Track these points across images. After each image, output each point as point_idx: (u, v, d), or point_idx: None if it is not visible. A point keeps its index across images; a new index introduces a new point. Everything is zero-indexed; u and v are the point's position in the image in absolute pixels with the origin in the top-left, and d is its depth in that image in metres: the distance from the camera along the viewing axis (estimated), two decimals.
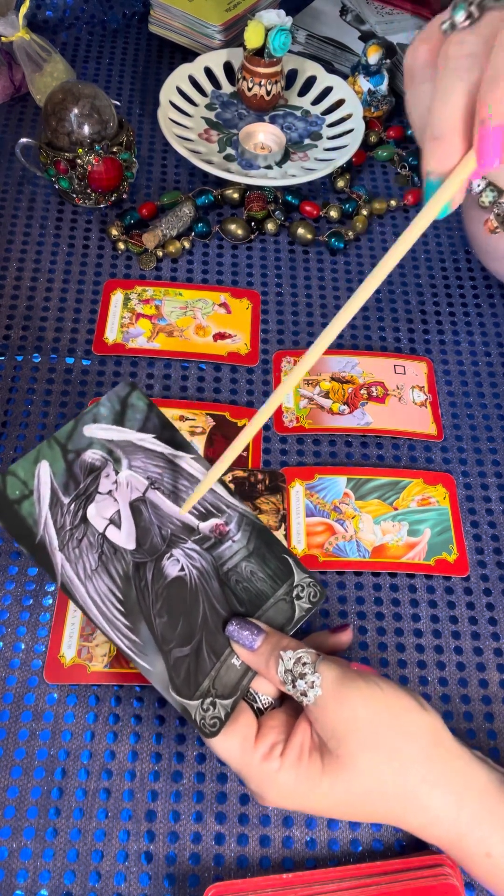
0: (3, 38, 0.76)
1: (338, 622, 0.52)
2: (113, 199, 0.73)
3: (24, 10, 0.74)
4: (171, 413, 0.60)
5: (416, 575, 0.55)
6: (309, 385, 0.63)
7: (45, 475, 0.40)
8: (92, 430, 0.43)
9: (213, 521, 0.43)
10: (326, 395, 0.63)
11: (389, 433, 0.61)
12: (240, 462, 0.59)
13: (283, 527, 0.55)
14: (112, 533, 0.41)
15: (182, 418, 0.60)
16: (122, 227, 0.72)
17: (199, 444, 0.59)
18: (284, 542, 0.55)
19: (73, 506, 0.41)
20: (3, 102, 0.83)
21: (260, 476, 0.58)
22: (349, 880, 0.42)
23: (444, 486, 0.59)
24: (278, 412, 0.62)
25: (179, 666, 0.40)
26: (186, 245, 0.72)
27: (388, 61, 0.81)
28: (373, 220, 0.77)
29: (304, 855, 0.44)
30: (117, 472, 0.42)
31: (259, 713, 0.42)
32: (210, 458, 0.58)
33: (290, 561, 0.44)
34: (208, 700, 0.39)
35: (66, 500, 0.40)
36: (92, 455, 0.42)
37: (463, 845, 0.37)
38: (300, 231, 0.73)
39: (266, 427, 0.61)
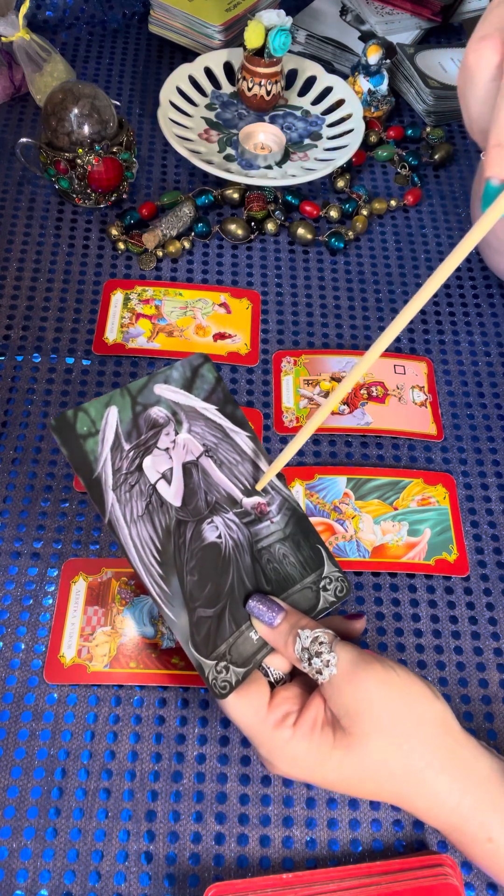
0: (3, 38, 0.76)
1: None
2: (113, 199, 0.73)
3: (24, 10, 0.75)
4: None
5: (416, 575, 0.55)
6: (309, 385, 0.63)
7: (112, 419, 0.42)
8: (162, 390, 0.44)
9: (256, 499, 0.45)
10: (326, 395, 0.63)
11: (389, 433, 0.61)
12: None
13: None
14: (162, 487, 0.43)
15: None
16: (122, 227, 0.72)
17: None
18: None
19: (132, 453, 0.43)
20: (3, 102, 0.83)
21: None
22: (349, 880, 0.42)
23: (444, 486, 0.59)
24: (278, 412, 0.62)
25: (202, 625, 0.41)
26: (186, 245, 0.72)
27: (388, 61, 0.81)
28: (373, 220, 0.77)
29: (304, 855, 0.44)
30: (177, 433, 0.44)
31: (271, 687, 0.42)
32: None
33: (323, 552, 0.46)
34: (223, 664, 0.41)
35: (126, 447, 0.42)
36: (157, 412, 0.44)
37: (465, 830, 0.38)
38: (300, 231, 0.73)
39: (266, 427, 0.61)
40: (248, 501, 0.45)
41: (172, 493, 0.43)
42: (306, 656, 0.40)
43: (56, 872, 0.43)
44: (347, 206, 0.75)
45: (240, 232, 0.72)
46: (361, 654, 0.39)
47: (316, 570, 0.45)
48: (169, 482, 0.43)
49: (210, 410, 0.46)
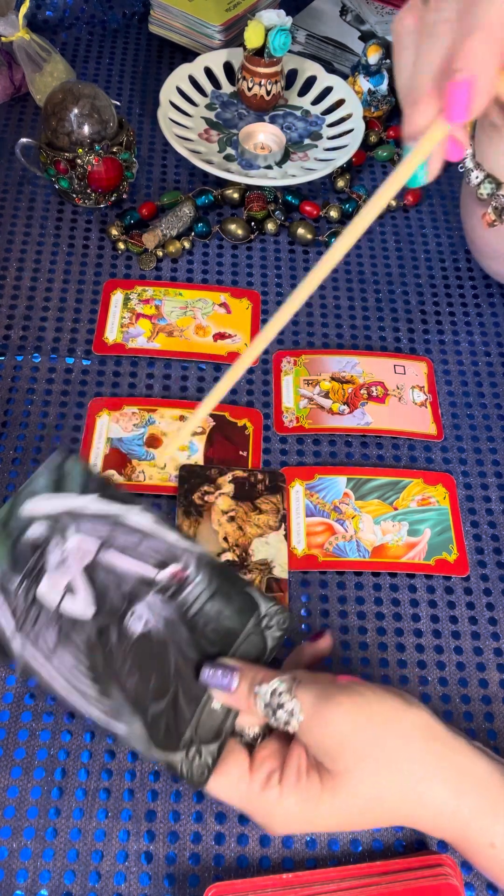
0: (3, 38, 0.76)
1: (337, 622, 0.52)
2: (113, 199, 0.73)
3: (24, 10, 0.75)
4: (170, 413, 0.60)
5: (416, 575, 0.55)
6: (309, 385, 0.63)
7: None
8: (30, 507, 0.42)
9: (171, 569, 0.43)
10: (326, 395, 0.63)
11: (389, 433, 0.61)
12: (240, 462, 0.59)
13: (283, 527, 0.55)
14: (69, 604, 0.41)
15: (182, 418, 0.60)
16: (122, 227, 0.72)
17: (198, 443, 0.59)
18: (283, 545, 0.55)
19: (23, 586, 0.40)
20: (3, 102, 0.83)
21: (260, 476, 0.58)
22: (349, 880, 0.42)
23: (444, 486, 0.59)
24: (278, 412, 0.62)
25: (158, 721, 0.39)
26: (186, 245, 0.72)
27: (388, 61, 0.81)
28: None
29: (304, 855, 0.44)
30: (65, 540, 0.42)
31: (250, 748, 0.41)
32: (210, 457, 0.58)
33: (254, 593, 0.44)
34: (192, 749, 0.39)
35: (13, 585, 0.40)
36: (34, 531, 0.42)
37: (467, 836, 0.38)
38: (300, 231, 0.73)
39: (266, 427, 0.61)
40: (164, 574, 0.43)
41: (82, 605, 0.41)
42: (270, 711, 0.38)
43: (56, 872, 0.43)
44: (347, 206, 0.75)
45: (240, 232, 0.72)
46: (324, 690, 0.38)
47: (253, 613, 0.43)
48: (75, 594, 0.41)
49: (90, 503, 0.43)
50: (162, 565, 0.43)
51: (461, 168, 0.62)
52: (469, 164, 0.61)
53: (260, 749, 0.40)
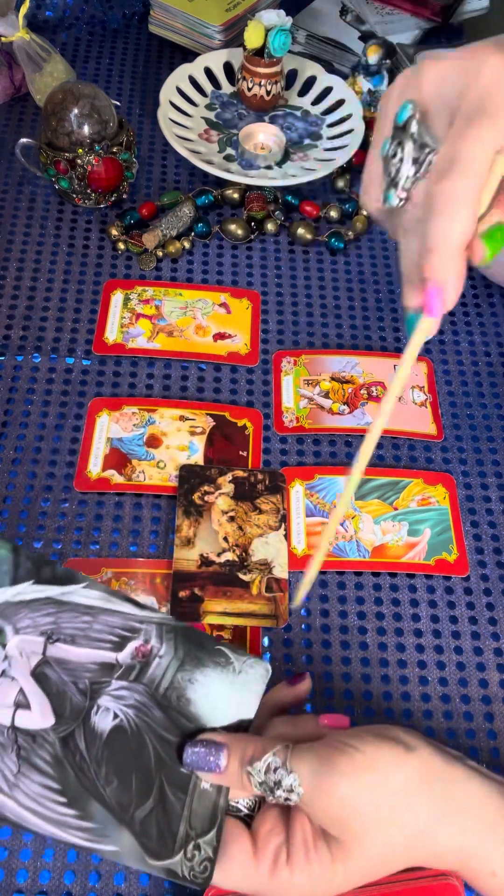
0: (3, 38, 0.76)
1: (337, 622, 0.52)
2: (113, 199, 0.73)
3: (24, 10, 0.74)
4: (170, 413, 0.60)
5: (416, 575, 0.55)
6: (309, 385, 0.63)
7: None
8: None
9: (131, 646, 0.39)
10: (326, 395, 0.63)
11: (389, 433, 0.61)
12: (240, 462, 0.59)
13: (283, 527, 0.55)
14: (22, 718, 0.36)
15: (182, 418, 0.60)
16: (122, 227, 0.72)
17: (198, 443, 0.59)
18: (283, 545, 0.55)
19: None
20: (3, 102, 0.83)
21: (260, 476, 0.58)
22: None
23: (444, 486, 0.59)
24: (278, 412, 0.62)
25: (148, 826, 0.36)
26: (186, 245, 0.72)
27: (387, 61, 0.81)
28: (373, 220, 0.77)
29: None
30: (4, 646, 0.37)
31: (247, 819, 0.39)
32: (210, 457, 0.58)
33: (226, 650, 0.40)
34: (190, 846, 0.36)
35: None
36: None
37: (471, 866, 0.38)
38: (300, 231, 0.73)
39: (266, 427, 0.61)
40: (125, 654, 0.38)
41: (38, 716, 0.36)
42: (267, 789, 0.37)
43: (56, 872, 0.43)
44: (347, 206, 0.75)
45: (240, 232, 0.72)
46: (322, 756, 0.37)
47: (228, 671, 0.40)
48: (27, 706, 0.36)
49: (26, 591, 0.38)
50: (120, 645, 0.39)
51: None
52: None
53: (260, 825, 0.38)
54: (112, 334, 0.65)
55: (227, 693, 0.39)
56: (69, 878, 0.43)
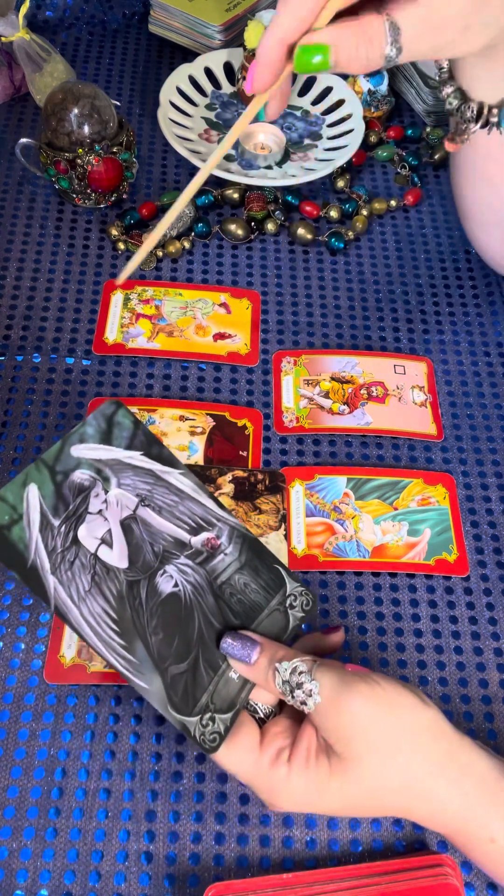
0: (3, 38, 0.76)
1: (337, 622, 0.52)
2: (113, 199, 0.73)
3: (24, 10, 0.75)
4: (170, 413, 0.60)
5: (416, 575, 0.55)
6: (309, 385, 0.63)
7: (34, 498, 0.40)
8: (79, 450, 0.42)
9: (204, 535, 0.43)
10: (326, 395, 0.63)
11: (389, 433, 0.61)
12: (240, 462, 0.59)
13: (283, 527, 0.55)
14: (104, 552, 0.41)
15: (182, 418, 0.60)
16: (122, 227, 0.72)
17: (198, 443, 0.59)
18: (283, 545, 0.55)
19: (63, 528, 0.40)
20: (3, 102, 0.83)
21: (260, 476, 0.58)
22: (349, 880, 0.42)
23: (444, 486, 0.59)
24: (278, 412, 0.62)
25: (177, 683, 0.40)
26: (186, 245, 0.72)
27: None
28: (373, 220, 0.77)
29: (304, 855, 0.44)
30: (107, 491, 0.42)
31: (261, 723, 0.42)
32: (210, 457, 0.58)
33: (282, 571, 0.45)
34: (207, 715, 0.39)
35: (56, 523, 0.40)
36: (80, 475, 0.42)
37: (468, 831, 0.38)
38: (300, 231, 0.73)
39: (266, 427, 0.61)
40: (197, 539, 0.43)
41: (117, 556, 0.41)
42: (288, 689, 0.39)
43: (56, 872, 0.43)
44: (347, 206, 0.75)
45: (240, 232, 0.72)
46: (343, 677, 0.39)
47: (279, 590, 0.44)
48: (110, 545, 0.41)
49: (136, 457, 0.43)
50: (196, 531, 0.43)
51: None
52: (445, 75, 0.58)
53: (271, 725, 0.41)
54: (112, 334, 0.65)
55: (273, 607, 0.43)
56: (69, 878, 0.43)
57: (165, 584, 0.41)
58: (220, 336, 0.66)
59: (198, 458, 0.58)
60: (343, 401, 0.63)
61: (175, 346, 0.65)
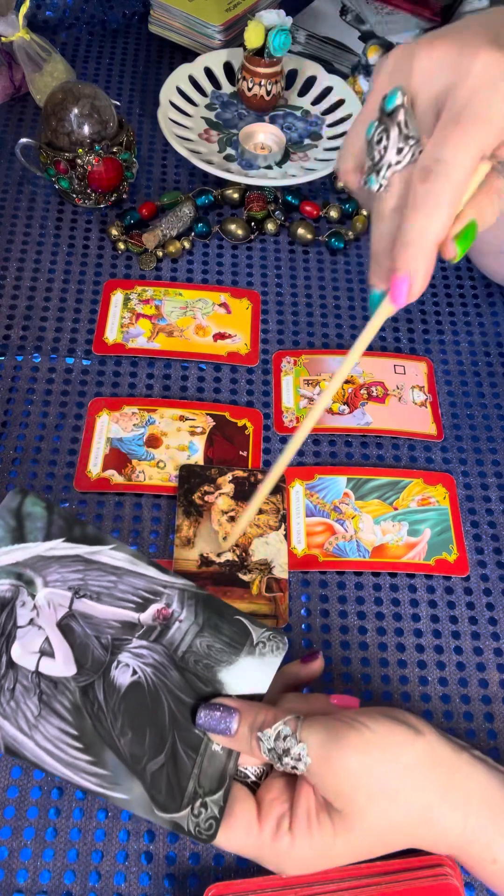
0: (3, 38, 0.76)
1: (337, 622, 0.52)
2: (113, 199, 0.73)
3: (24, 10, 0.75)
4: (170, 413, 0.60)
5: (416, 575, 0.55)
6: (309, 385, 0.63)
7: None
8: None
9: (153, 608, 0.40)
10: None
11: (389, 433, 0.61)
12: (240, 462, 0.59)
13: (283, 527, 0.55)
14: (46, 665, 0.38)
15: (182, 418, 0.60)
16: (122, 227, 0.72)
17: (198, 443, 0.59)
18: (283, 545, 0.55)
19: None
20: (3, 102, 0.83)
21: (260, 476, 0.58)
22: (349, 880, 0.42)
23: (444, 486, 0.59)
24: (278, 412, 0.62)
25: (158, 779, 0.37)
26: (186, 245, 0.72)
27: None
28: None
29: None
30: (34, 596, 0.39)
31: (254, 786, 0.40)
32: (210, 457, 0.58)
33: (244, 621, 0.42)
34: (198, 803, 0.37)
35: None
36: None
37: (471, 852, 0.38)
38: (300, 231, 0.73)
39: (266, 427, 0.61)
40: (147, 615, 0.40)
41: (61, 665, 0.38)
42: (275, 756, 0.38)
43: (56, 872, 0.43)
44: (347, 206, 0.75)
45: (240, 232, 0.72)
46: (330, 731, 0.37)
47: (245, 642, 0.41)
48: (52, 655, 0.38)
49: (57, 547, 0.40)
50: (143, 606, 0.40)
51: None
52: None
53: (265, 791, 0.39)
54: (112, 334, 0.65)
55: (242, 663, 0.40)
56: (69, 878, 0.43)
57: (123, 676, 0.38)
58: (220, 336, 0.66)
59: (198, 458, 0.58)
60: (343, 401, 0.63)
61: (175, 346, 0.65)
